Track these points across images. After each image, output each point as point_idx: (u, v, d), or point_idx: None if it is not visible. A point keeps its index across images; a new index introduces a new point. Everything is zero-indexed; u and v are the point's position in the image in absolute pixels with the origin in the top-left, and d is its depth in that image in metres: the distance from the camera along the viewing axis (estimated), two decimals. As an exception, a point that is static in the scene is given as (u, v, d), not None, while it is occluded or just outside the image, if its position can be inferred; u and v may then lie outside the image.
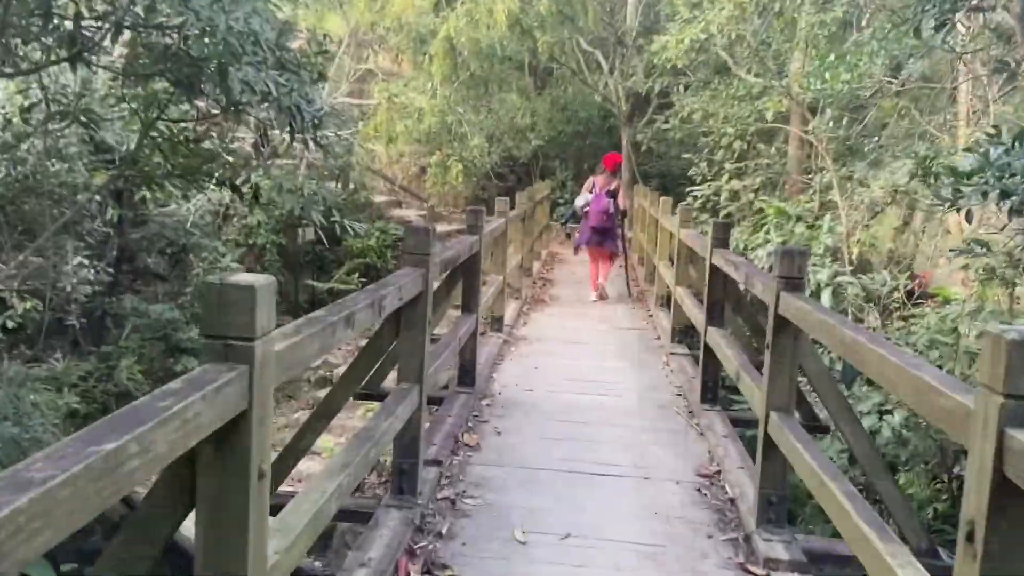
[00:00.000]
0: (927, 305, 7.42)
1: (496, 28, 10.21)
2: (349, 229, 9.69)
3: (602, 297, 9.49)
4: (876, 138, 9.64)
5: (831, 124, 8.65)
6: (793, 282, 3.25)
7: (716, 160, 11.71)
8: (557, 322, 8.26)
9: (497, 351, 6.69)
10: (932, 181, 3.60)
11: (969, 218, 3.67)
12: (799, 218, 8.10)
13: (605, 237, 9.23)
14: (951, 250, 8.37)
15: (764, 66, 11.21)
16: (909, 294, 7.52)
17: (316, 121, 4.49)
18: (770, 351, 3.34)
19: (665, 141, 15.47)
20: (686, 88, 12.86)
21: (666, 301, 8.23)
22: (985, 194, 3.29)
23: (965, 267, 6.99)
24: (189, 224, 11.15)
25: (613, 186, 9.21)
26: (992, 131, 3.47)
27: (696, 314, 5.76)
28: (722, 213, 10.66)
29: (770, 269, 7.48)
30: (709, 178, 11.94)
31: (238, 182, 5.29)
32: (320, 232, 13.88)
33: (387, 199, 16.62)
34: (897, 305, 7.40)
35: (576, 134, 17.04)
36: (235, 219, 11.86)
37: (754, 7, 10.88)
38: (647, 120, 15.27)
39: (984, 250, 6.99)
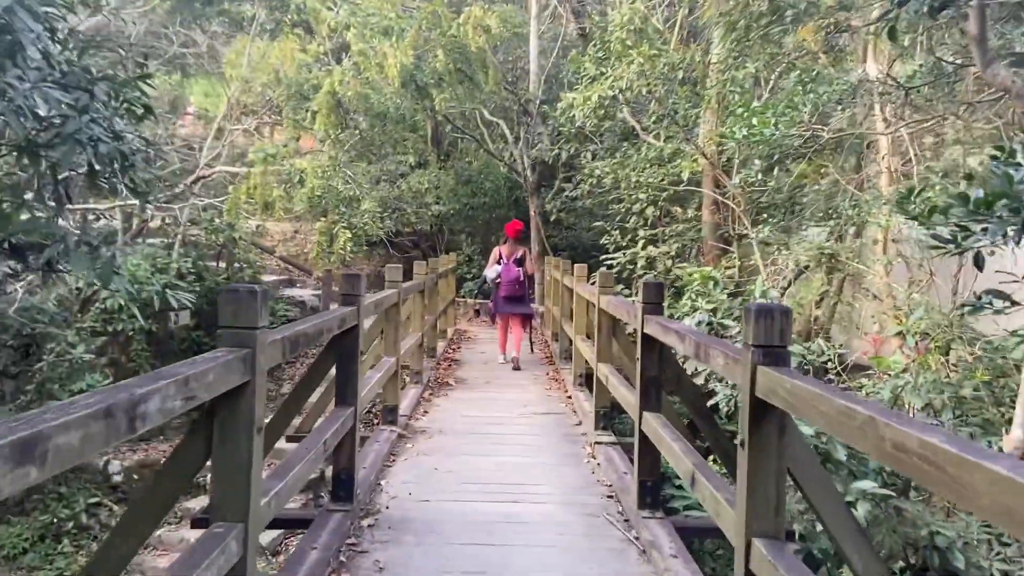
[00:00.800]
0: (865, 376, 6.83)
1: (388, 84, 9.34)
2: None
3: (516, 367, 9.23)
4: (792, 199, 9.21)
5: (759, 176, 8.08)
6: (775, 352, 2.33)
7: (629, 227, 11.08)
8: (463, 409, 7.15)
9: (388, 449, 5.51)
10: (924, 219, 2.79)
11: (980, 263, 2.87)
12: (721, 284, 7.39)
13: (518, 303, 9.34)
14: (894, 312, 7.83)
15: (674, 128, 10.79)
16: (843, 364, 6.92)
17: (126, 161, 3.38)
18: (747, 449, 2.37)
19: (574, 211, 14.90)
20: (593, 156, 12.33)
21: (586, 380, 7.28)
22: (1005, 233, 2.50)
23: (900, 334, 6.42)
24: (38, 311, 9.64)
25: (519, 254, 9.37)
26: (997, 152, 2.71)
27: (626, 395, 4.79)
28: (635, 284, 9.93)
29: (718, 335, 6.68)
30: (623, 246, 11.30)
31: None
32: (198, 315, 12.47)
33: (279, 278, 15.33)
34: (833, 376, 6.75)
35: (482, 206, 16.32)
36: (96, 303, 10.34)
37: (656, 75, 10.52)
38: (555, 190, 14.69)
39: (921, 314, 6.43)
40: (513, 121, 15.54)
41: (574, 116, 11.12)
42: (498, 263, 9.32)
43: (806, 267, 8.94)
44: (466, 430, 6.33)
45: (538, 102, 13.94)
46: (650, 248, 9.45)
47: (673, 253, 9.62)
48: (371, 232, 9.08)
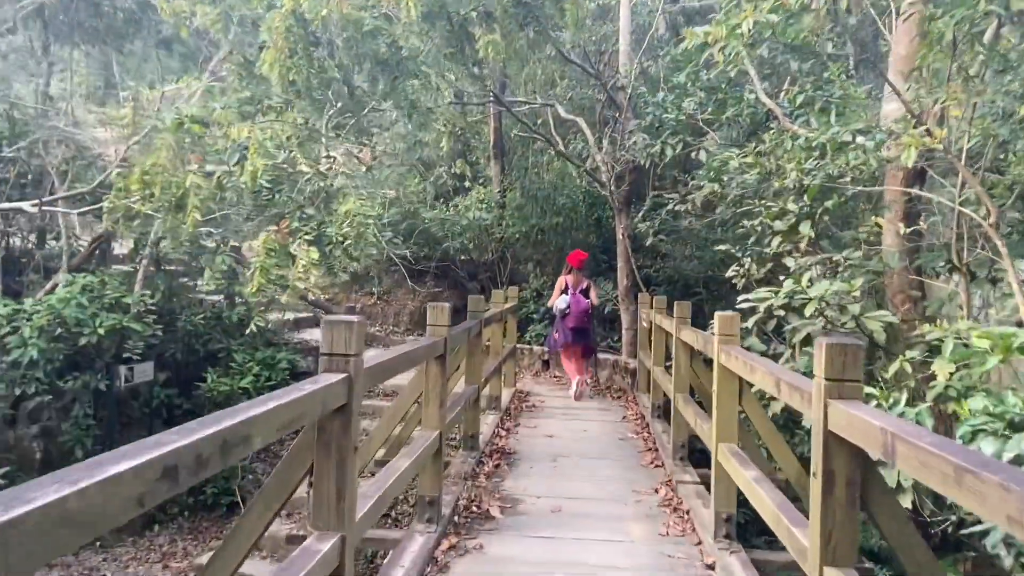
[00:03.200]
0: None
1: (401, 11, 6.06)
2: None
3: (580, 397, 9.10)
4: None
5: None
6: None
7: (769, 253, 7.52)
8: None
9: None
10: None
11: None
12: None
13: (585, 336, 9.20)
14: None
15: (841, 104, 7.28)
16: None
17: None
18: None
19: (676, 233, 11.36)
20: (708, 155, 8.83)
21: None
22: None
23: None
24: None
25: (585, 285, 9.23)
26: None
27: None
28: (794, 337, 6.35)
29: None
30: (759, 279, 7.75)
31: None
32: (171, 367, 9.42)
33: (300, 315, 12.26)
34: None
35: (555, 228, 12.98)
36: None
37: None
38: (649, 207, 11.21)
39: None
40: (596, 121, 12.22)
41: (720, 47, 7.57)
42: (564, 292, 9.05)
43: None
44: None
45: (630, 88, 10.53)
46: (821, 285, 5.84)
47: (856, 291, 6.00)
48: (364, 249, 5.83)
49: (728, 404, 4.22)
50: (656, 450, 6.65)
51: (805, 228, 7.23)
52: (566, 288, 8.98)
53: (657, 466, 6.15)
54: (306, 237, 5.42)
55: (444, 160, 16.50)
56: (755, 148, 7.48)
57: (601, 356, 10.81)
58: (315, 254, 5.27)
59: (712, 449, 4.28)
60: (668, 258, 12.43)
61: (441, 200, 14.06)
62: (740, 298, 6.39)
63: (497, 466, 5.93)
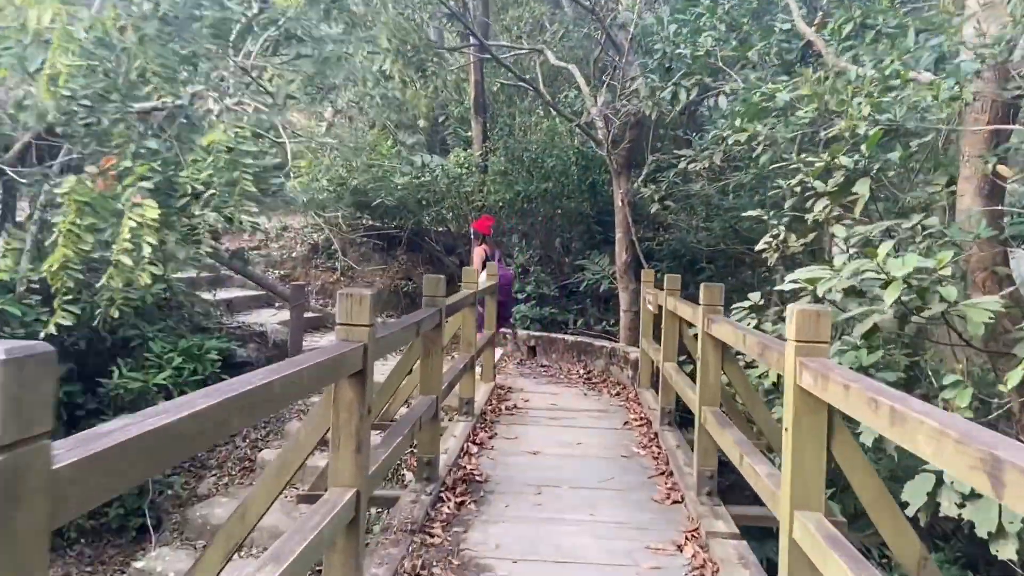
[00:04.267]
0: None
1: None
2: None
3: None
4: None
5: None
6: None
7: (810, 221, 5.95)
8: None
9: None
10: None
11: None
12: None
13: (507, 309, 8.65)
14: None
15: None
16: None
17: None
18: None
19: (686, 200, 9.78)
20: (731, 94, 7.20)
21: None
22: None
23: None
24: None
25: (498, 254, 8.72)
26: None
27: None
28: (854, 329, 4.83)
29: None
30: (795, 250, 6.24)
31: None
32: (73, 357, 7.76)
33: (250, 293, 10.62)
34: None
35: (543, 195, 11.34)
36: None
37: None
38: (652, 168, 9.60)
39: None
40: (591, 72, 10.56)
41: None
42: (484, 260, 8.27)
43: None
44: None
45: (633, 25, 8.85)
46: (910, 259, 4.28)
47: (944, 269, 4.45)
48: (248, 209, 4.14)
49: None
50: (671, 473, 5.12)
51: (862, 187, 5.67)
52: (487, 257, 8.17)
53: (675, 501, 4.61)
54: (143, 184, 3.69)
55: (422, 119, 14.85)
56: (804, 78, 5.87)
57: (596, 343, 9.26)
58: (153, 211, 3.60)
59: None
60: (672, 229, 10.85)
61: (418, 166, 12.43)
62: (788, 277, 4.81)
63: (461, 504, 4.37)
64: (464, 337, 6.32)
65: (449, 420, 6.32)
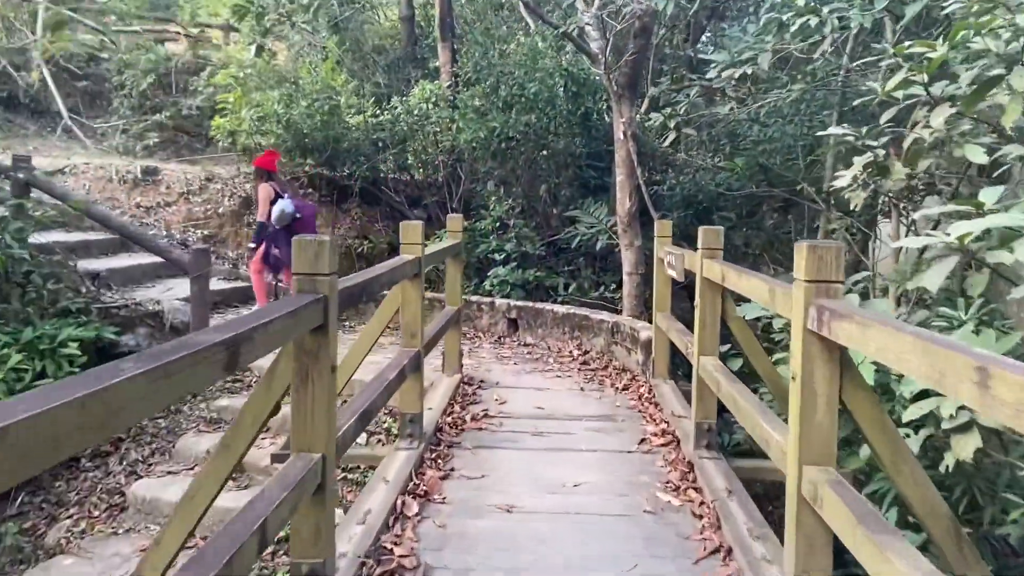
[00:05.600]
0: None
1: None
2: None
3: None
4: None
5: None
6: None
7: (925, 142, 3.91)
8: None
9: None
10: None
11: None
12: None
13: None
14: None
15: None
16: None
17: None
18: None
19: (707, 131, 7.68)
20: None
21: None
22: None
23: None
24: None
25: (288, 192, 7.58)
26: None
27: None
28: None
29: None
30: (896, 188, 4.23)
31: None
32: None
33: (151, 261, 8.46)
34: None
35: (524, 131, 9.18)
36: None
37: None
38: (663, 87, 7.47)
39: None
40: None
41: None
42: (276, 199, 7.13)
43: None
44: None
45: None
46: None
47: None
48: None
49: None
50: (729, 549, 3.15)
51: (1018, 80, 3.62)
52: (278, 195, 7.19)
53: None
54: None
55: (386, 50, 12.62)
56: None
57: (594, 316, 7.25)
58: None
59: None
60: (684, 169, 8.77)
61: (380, 104, 10.26)
62: (954, 224, 2.81)
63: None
64: (406, 325, 4.28)
65: (381, 446, 4.34)
